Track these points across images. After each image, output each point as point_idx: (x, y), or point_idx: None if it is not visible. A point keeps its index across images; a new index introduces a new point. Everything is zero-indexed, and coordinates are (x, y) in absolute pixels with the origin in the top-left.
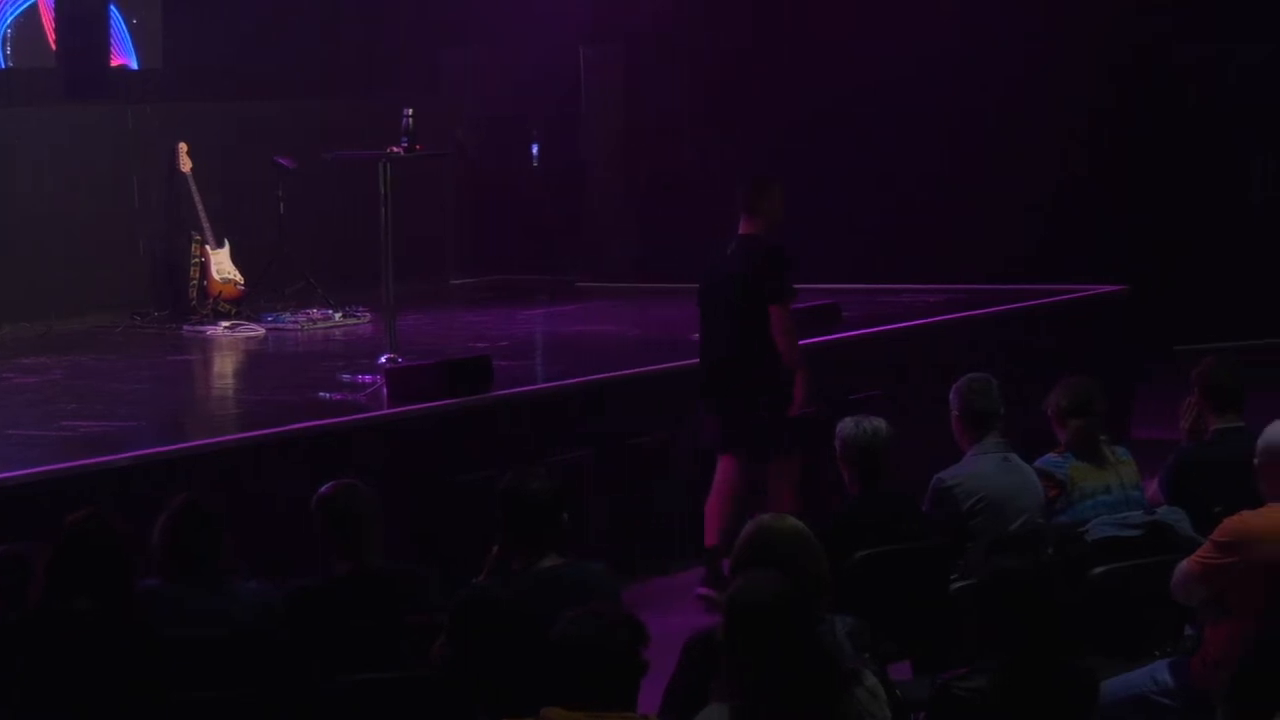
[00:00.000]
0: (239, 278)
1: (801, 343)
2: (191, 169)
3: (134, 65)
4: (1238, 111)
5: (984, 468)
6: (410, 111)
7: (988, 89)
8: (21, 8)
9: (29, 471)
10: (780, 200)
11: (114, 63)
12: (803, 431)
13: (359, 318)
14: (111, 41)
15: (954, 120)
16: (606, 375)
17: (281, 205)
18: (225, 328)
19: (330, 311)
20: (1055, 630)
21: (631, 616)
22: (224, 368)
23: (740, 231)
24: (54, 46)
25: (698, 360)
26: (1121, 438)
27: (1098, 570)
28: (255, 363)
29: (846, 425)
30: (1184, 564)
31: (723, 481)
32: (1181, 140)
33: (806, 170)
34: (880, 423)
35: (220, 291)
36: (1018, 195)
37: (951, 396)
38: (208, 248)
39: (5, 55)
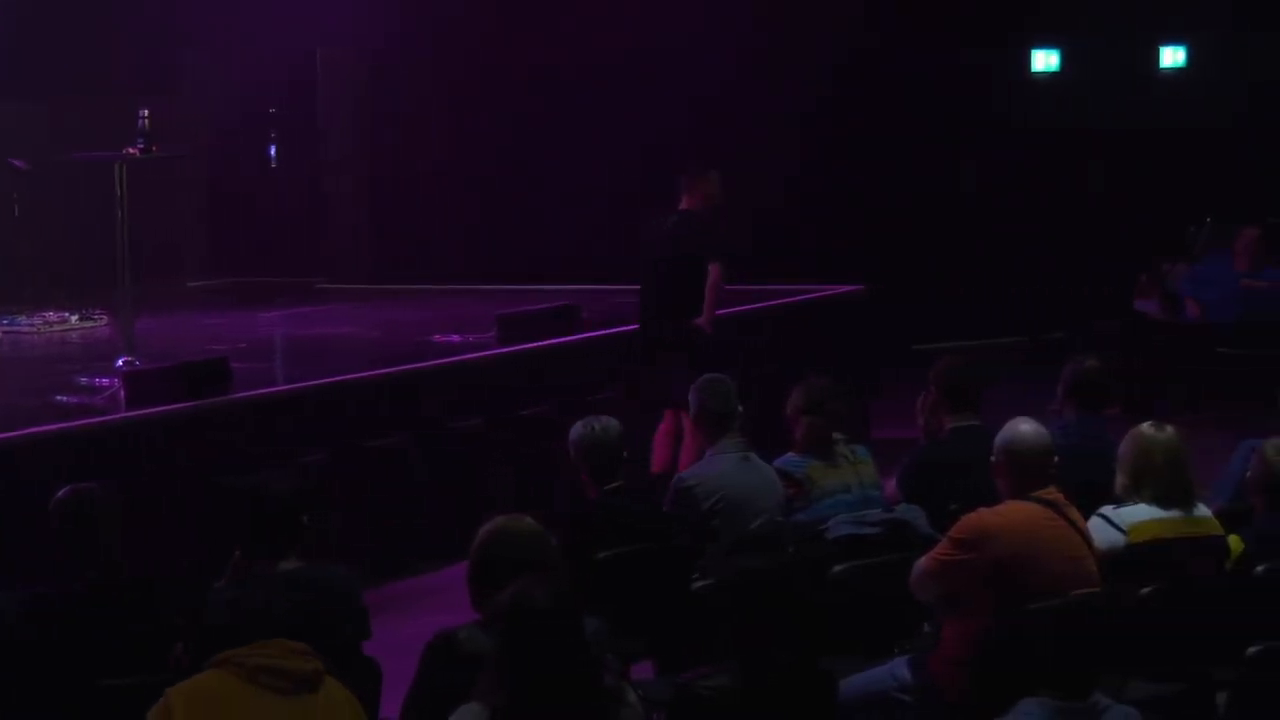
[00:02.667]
0: None
1: (541, 344)
2: None
3: None
4: (950, 117)
5: (723, 467)
6: (146, 113)
7: (725, 89)
8: None
9: None
10: (717, 184)
11: None
12: None
13: (95, 320)
14: None
15: (689, 121)
16: (346, 377)
17: (16, 207)
18: None
19: (66, 314)
20: (795, 629)
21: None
22: None
23: (680, 207)
24: None
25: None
26: (862, 437)
27: (837, 568)
28: None
29: (577, 428)
30: (922, 561)
31: (672, 426)
32: (906, 144)
33: (545, 172)
34: (611, 422)
35: None
36: (756, 196)
37: (689, 397)
38: None
39: None
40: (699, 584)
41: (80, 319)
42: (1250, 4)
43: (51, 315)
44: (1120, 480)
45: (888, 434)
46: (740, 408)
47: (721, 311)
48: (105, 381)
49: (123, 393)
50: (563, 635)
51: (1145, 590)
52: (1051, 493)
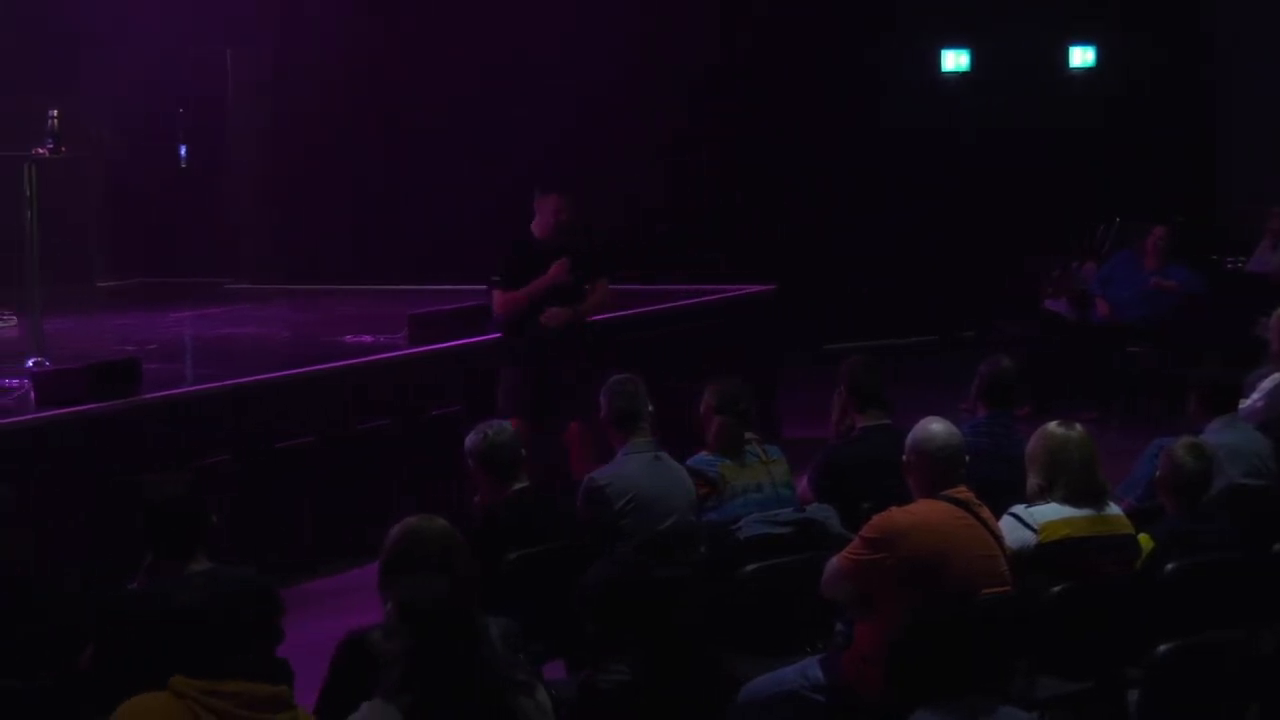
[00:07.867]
0: None
1: (452, 344)
2: None
3: None
4: (864, 117)
5: (634, 467)
6: (55, 112)
7: (615, 93)
8: None
9: None
10: (552, 207)
11: None
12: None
13: (5, 321)
14: None
15: (581, 121)
16: (255, 378)
17: None
18: None
19: None
20: (692, 625)
21: (262, 583)
22: None
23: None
24: None
25: None
26: (773, 437)
27: (749, 568)
28: None
29: (471, 437)
30: (833, 560)
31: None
32: (817, 143)
33: (458, 174)
34: (505, 424)
35: None
36: (661, 196)
37: (600, 397)
38: None
39: None
40: (588, 582)
41: None
42: (1156, 6)
43: None
44: (1031, 479)
45: (799, 434)
46: (650, 407)
47: (627, 312)
48: (14, 382)
49: (32, 394)
50: (456, 633)
51: (1056, 589)
52: (963, 491)
